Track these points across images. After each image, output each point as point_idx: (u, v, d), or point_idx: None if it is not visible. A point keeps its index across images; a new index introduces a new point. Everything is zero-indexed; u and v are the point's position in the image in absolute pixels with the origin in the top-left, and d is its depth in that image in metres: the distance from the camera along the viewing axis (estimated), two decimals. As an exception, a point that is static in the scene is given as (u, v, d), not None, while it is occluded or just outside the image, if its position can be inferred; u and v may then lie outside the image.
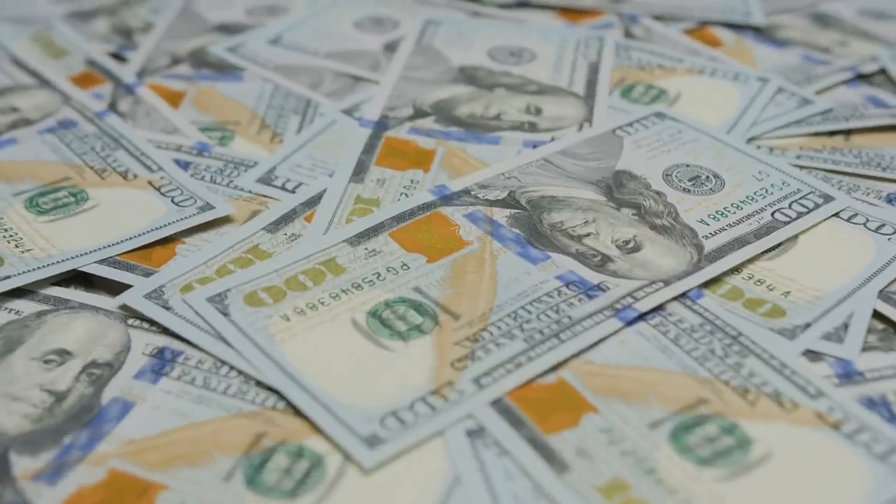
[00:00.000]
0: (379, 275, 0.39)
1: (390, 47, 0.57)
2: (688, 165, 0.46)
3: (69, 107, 0.50)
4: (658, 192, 0.44)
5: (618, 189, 0.44)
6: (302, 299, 0.37)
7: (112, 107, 0.50)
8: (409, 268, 0.39)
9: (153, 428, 0.33)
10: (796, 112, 0.52)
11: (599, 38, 0.58)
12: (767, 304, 0.38)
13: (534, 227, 0.41)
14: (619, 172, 0.45)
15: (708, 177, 0.45)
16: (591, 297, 0.38)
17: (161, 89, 0.52)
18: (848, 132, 0.51)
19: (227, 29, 0.59)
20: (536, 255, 0.40)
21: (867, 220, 0.43)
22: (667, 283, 0.38)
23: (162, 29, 0.59)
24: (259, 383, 0.34)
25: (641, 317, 0.37)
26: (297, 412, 0.33)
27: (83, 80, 0.53)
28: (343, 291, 0.38)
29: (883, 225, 0.43)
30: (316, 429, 0.33)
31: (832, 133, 0.51)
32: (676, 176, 0.45)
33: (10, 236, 0.41)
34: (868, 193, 0.46)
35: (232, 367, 0.35)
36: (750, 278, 0.40)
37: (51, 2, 0.62)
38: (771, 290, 0.39)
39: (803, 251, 0.41)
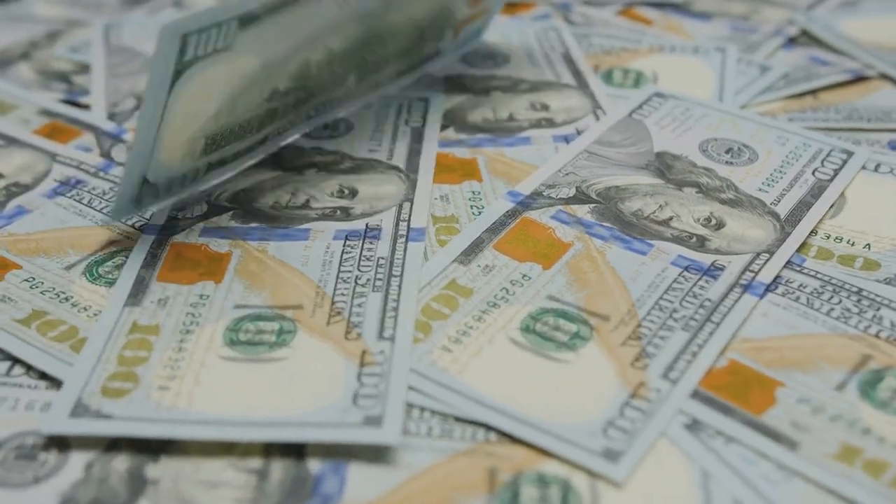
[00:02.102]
0: (507, 290, 0.38)
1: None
2: (716, 139, 0.48)
3: (62, 164, 0.46)
4: (706, 168, 0.45)
5: (668, 171, 0.45)
6: (451, 328, 0.36)
7: (108, 157, 0.46)
8: (530, 278, 0.39)
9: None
10: (763, 79, 0.55)
11: (555, 29, 0.59)
12: (859, 259, 0.41)
13: (620, 218, 0.42)
14: (660, 154, 0.46)
15: (740, 148, 0.47)
16: (715, 278, 0.39)
17: (148, 132, 0.48)
18: (813, 92, 0.55)
19: (173, 60, 0.55)
20: (640, 246, 0.40)
21: (892, 169, 0.46)
22: (769, 251, 0.40)
23: (102, 67, 0.54)
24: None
25: (767, 289, 0.39)
26: (513, 440, 0.32)
27: (54, 133, 0.48)
28: (483, 312, 0.37)
29: (906, 170, 0.46)
30: (544, 454, 0.32)
31: (800, 95, 0.55)
32: (714, 150, 0.47)
33: (83, 309, 0.37)
34: (872, 144, 0.49)
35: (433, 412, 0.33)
36: (828, 237, 0.42)
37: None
38: (852, 245, 0.42)
39: (855, 205, 0.44)
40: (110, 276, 0.38)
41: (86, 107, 0.51)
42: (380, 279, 0.38)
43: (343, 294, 0.37)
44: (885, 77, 0.56)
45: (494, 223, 0.41)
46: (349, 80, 0.44)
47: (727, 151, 0.47)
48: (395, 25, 0.44)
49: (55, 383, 0.34)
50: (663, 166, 0.46)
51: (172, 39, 0.34)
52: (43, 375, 0.35)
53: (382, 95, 0.50)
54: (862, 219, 0.43)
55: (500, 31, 0.59)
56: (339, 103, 0.46)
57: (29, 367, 0.35)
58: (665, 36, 0.60)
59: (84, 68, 0.55)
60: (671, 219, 0.42)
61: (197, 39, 0.35)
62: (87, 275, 0.38)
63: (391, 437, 0.31)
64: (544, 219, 0.42)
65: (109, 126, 0.49)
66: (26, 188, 0.44)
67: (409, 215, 0.41)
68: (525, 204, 0.43)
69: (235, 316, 0.36)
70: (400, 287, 0.37)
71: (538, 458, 0.32)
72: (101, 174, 0.45)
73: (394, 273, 0.38)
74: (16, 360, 0.35)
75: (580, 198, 0.43)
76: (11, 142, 0.47)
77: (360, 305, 0.37)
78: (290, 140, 0.46)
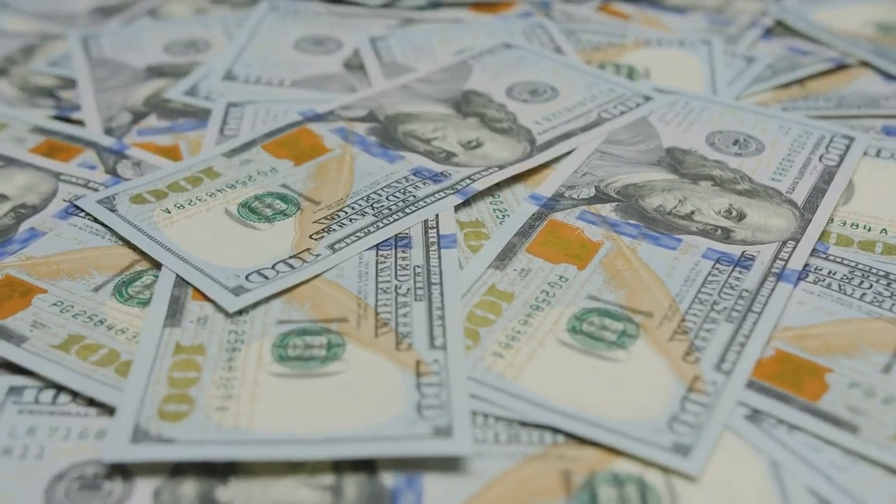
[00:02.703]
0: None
1: (350, 66, 0.55)
2: (721, 132, 0.49)
3: (68, 183, 0.44)
4: (717, 161, 0.46)
5: (680, 165, 0.46)
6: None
7: (114, 174, 0.45)
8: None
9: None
10: (750, 70, 0.56)
11: (542, 26, 0.59)
12: (878, 244, 0.42)
13: (644, 215, 0.42)
14: (670, 150, 0.47)
15: (745, 139, 0.48)
16: (747, 268, 0.39)
17: (151, 146, 0.47)
18: (800, 81, 0.56)
19: (160, 71, 0.54)
20: (669, 241, 0.41)
21: (893, 154, 0.48)
22: (794, 239, 0.41)
23: (88, 81, 0.53)
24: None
25: (799, 277, 0.39)
26: (581, 441, 0.32)
27: (52, 152, 0.47)
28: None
29: (907, 154, 0.47)
30: (614, 453, 0.32)
31: (788, 84, 0.56)
32: (721, 143, 0.48)
33: (121, 331, 0.36)
34: (868, 131, 0.51)
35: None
36: (844, 224, 0.43)
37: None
38: (868, 230, 0.43)
39: (864, 191, 0.45)
40: (141, 296, 0.38)
41: (79, 122, 0.50)
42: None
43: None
44: (865, 64, 0.58)
45: (523, 227, 0.41)
46: None
47: (734, 143, 0.48)
48: None
49: (105, 409, 0.33)
50: (675, 161, 0.46)
51: None
52: (91, 402, 0.33)
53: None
54: (873, 204, 0.44)
55: (487, 30, 0.58)
56: None
57: (75, 394, 0.34)
58: (648, 30, 0.60)
59: (69, 83, 0.53)
60: (693, 213, 0.43)
61: None
62: (117, 296, 0.37)
63: (464, 447, 0.31)
64: (571, 220, 0.42)
65: (108, 141, 0.47)
66: (34, 209, 0.42)
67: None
68: (549, 206, 0.43)
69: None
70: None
71: (609, 458, 0.32)
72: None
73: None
74: (59, 388, 0.34)
75: (601, 197, 0.43)
76: (10, 162, 0.46)
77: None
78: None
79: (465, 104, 0.49)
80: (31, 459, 0.31)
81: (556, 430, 0.33)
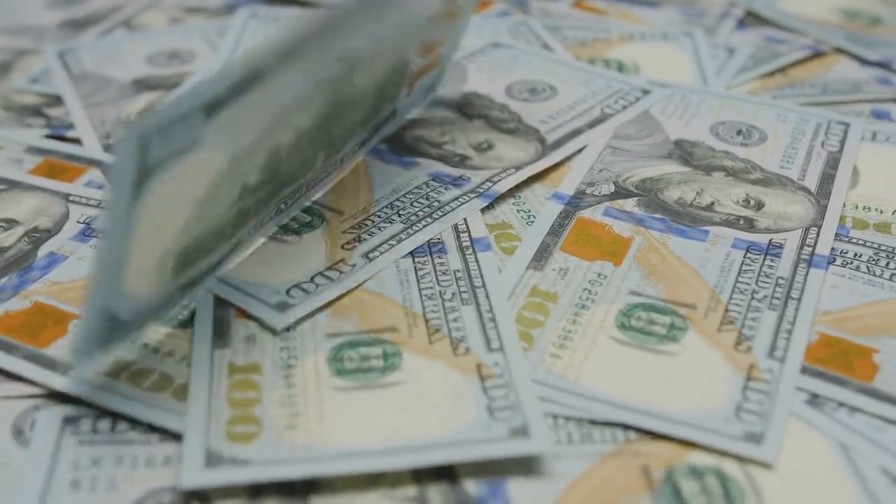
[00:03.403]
0: (588, 290, 0.39)
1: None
2: (723, 123, 0.49)
3: (79, 204, 0.43)
4: (726, 152, 0.47)
5: (691, 157, 0.46)
6: (550, 333, 0.37)
7: (125, 192, 0.44)
8: (605, 276, 0.39)
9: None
10: (733, 60, 0.57)
11: (526, 24, 0.59)
12: (894, 225, 0.43)
13: (666, 208, 0.43)
14: (679, 142, 0.48)
15: (748, 129, 0.49)
16: (778, 256, 0.40)
17: (156, 162, 0.46)
18: (782, 69, 0.57)
19: (147, 84, 0.53)
20: (696, 234, 0.41)
21: (888, 137, 0.49)
22: (815, 225, 0.42)
23: (75, 97, 0.51)
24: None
25: (828, 262, 0.40)
26: (652, 436, 0.33)
27: (53, 172, 0.45)
28: (575, 315, 0.38)
29: (903, 137, 0.49)
30: (687, 446, 0.32)
31: (771, 73, 0.57)
32: (725, 133, 0.48)
33: (168, 354, 0.35)
34: (858, 116, 0.52)
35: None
36: (856, 207, 0.44)
37: None
38: (881, 212, 0.44)
39: (867, 174, 0.46)
40: (180, 316, 0.37)
41: (76, 141, 0.48)
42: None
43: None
44: (839, 51, 0.59)
45: (553, 226, 0.41)
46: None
47: (738, 133, 0.48)
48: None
49: (167, 435, 0.32)
50: (685, 153, 0.47)
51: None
52: (151, 428, 0.33)
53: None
54: (879, 187, 0.45)
55: (474, 30, 0.58)
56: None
57: (133, 421, 0.33)
58: (629, 24, 0.61)
59: (54, 100, 0.52)
60: (713, 204, 0.43)
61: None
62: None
63: (543, 446, 0.31)
64: (598, 216, 0.42)
65: (110, 158, 0.46)
66: (48, 233, 0.41)
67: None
68: (574, 204, 0.43)
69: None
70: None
71: (682, 451, 0.32)
72: (126, 210, 0.42)
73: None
74: (115, 415, 0.33)
75: (621, 192, 0.44)
76: (13, 185, 0.44)
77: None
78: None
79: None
80: (102, 492, 0.30)
81: (626, 427, 0.33)
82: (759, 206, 0.43)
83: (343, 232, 0.41)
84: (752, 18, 0.64)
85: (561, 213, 0.42)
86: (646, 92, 0.51)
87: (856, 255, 0.41)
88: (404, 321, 0.36)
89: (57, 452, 0.32)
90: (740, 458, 0.32)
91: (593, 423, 0.33)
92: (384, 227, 0.41)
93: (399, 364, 0.35)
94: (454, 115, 0.49)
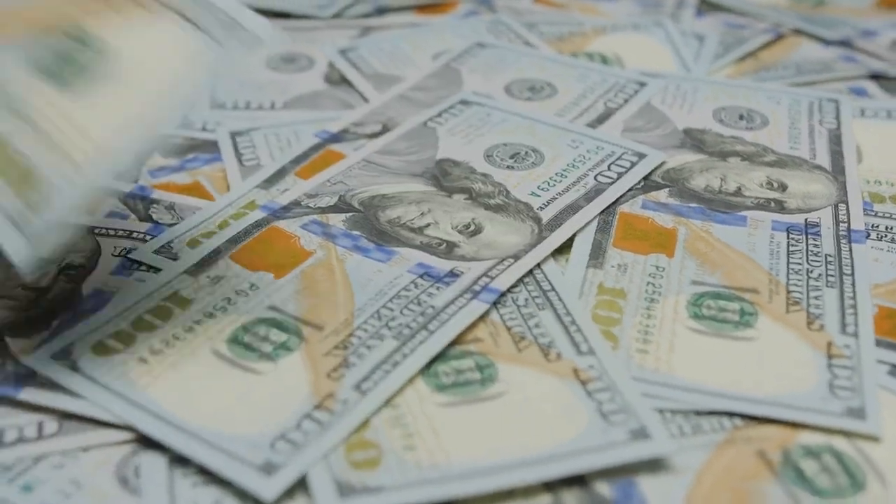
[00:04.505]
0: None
1: (331, 80, 0.54)
2: (724, 108, 0.51)
3: (106, 237, 0.41)
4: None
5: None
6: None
7: (150, 220, 0.42)
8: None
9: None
10: (705, 47, 0.59)
11: (504, 23, 0.60)
12: (907, 197, 0.45)
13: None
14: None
15: (749, 113, 0.50)
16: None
17: (172, 186, 0.45)
18: (752, 54, 0.59)
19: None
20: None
21: (876, 113, 0.51)
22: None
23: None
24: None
25: (867, 237, 0.42)
26: (757, 420, 0.33)
27: (66, 206, 0.43)
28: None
29: (890, 111, 0.51)
30: (792, 427, 0.33)
31: (743, 58, 0.59)
32: (728, 119, 0.50)
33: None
34: (839, 94, 0.54)
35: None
36: (868, 182, 0.46)
37: None
38: (893, 185, 0.46)
39: (870, 149, 0.48)
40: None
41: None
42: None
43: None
44: (798, 32, 0.61)
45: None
46: None
47: (741, 118, 0.50)
48: None
49: (281, 470, 0.31)
50: (697, 142, 0.48)
51: None
52: (262, 465, 0.31)
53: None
54: (883, 161, 0.47)
55: (453, 31, 0.58)
56: None
57: (242, 460, 0.31)
58: (597, 18, 0.62)
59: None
60: (740, 188, 0.44)
61: None
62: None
63: (665, 447, 0.31)
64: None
65: (126, 186, 0.44)
66: (84, 268, 0.39)
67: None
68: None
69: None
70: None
71: (790, 433, 0.33)
72: (151, 237, 0.41)
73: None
74: (221, 456, 0.32)
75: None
76: (26, 222, 0.42)
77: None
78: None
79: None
80: (234, 534, 0.29)
81: (730, 414, 0.34)
82: (783, 187, 0.44)
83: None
84: (706, 5, 0.66)
85: (604, 209, 0.43)
86: (642, 84, 0.52)
87: (887, 227, 0.42)
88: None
89: (174, 500, 0.30)
90: (847, 434, 0.33)
91: (698, 413, 0.34)
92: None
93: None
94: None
